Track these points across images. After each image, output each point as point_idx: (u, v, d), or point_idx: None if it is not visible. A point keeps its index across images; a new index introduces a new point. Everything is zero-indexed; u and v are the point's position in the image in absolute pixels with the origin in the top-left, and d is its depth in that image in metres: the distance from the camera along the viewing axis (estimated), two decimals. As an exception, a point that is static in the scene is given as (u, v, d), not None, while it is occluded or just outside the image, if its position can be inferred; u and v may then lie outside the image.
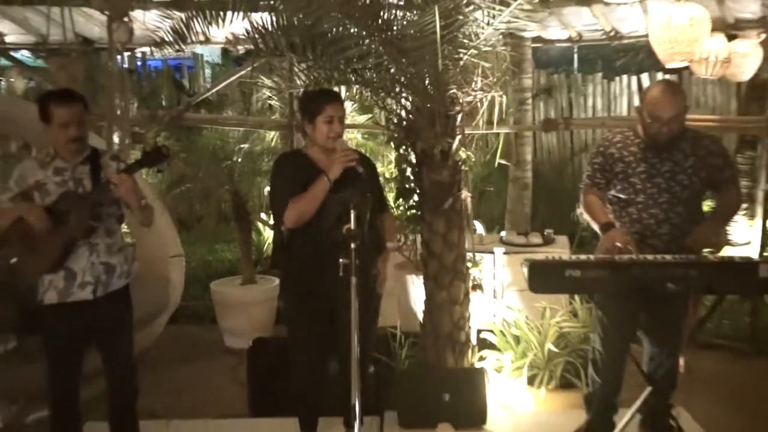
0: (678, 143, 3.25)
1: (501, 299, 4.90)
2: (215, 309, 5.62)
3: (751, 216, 6.11)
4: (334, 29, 3.33)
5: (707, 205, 5.93)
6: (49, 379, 3.13)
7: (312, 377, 3.40)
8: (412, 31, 3.27)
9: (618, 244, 3.05)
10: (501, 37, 3.78)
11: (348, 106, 4.80)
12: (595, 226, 3.30)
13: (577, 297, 4.32)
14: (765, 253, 5.25)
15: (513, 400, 4.02)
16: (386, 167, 6.37)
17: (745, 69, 5.22)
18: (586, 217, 3.38)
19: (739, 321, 5.33)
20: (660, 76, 7.44)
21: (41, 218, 2.93)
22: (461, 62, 3.54)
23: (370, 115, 6.41)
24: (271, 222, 6.88)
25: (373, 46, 3.35)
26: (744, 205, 6.22)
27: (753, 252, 5.33)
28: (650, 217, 3.24)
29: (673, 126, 3.14)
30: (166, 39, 3.61)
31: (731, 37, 5.16)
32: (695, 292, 2.82)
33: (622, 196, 3.31)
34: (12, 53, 6.84)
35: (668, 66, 4.62)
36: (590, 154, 3.46)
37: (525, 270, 2.88)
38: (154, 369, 4.84)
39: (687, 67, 5.46)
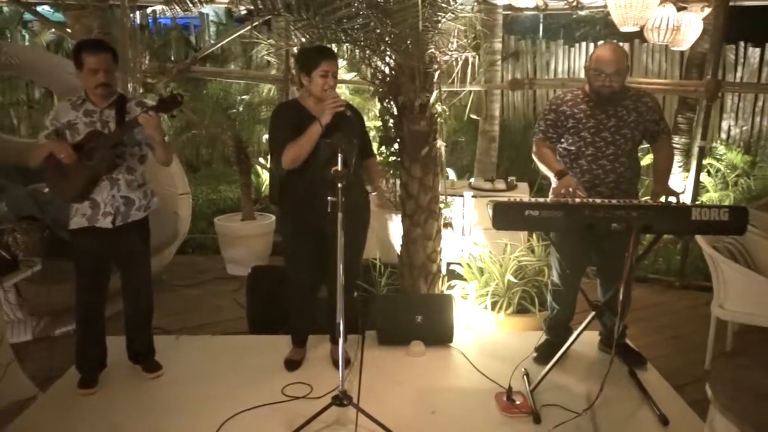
0: (622, 101, 3.22)
1: (468, 236, 4.91)
2: (219, 241, 5.60)
3: (686, 169, 6.15)
4: (326, -9, 3.22)
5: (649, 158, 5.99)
6: (77, 295, 3.12)
7: (303, 299, 3.41)
8: (396, -6, 3.18)
9: (570, 188, 3.06)
10: (475, 3, 3.70)
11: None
12: (549, 174, 3.29)
13: (534, 235, 4.34)
14: (697, 201, 5.29)
15: (476, 322, 4.07)
16: (371, 120, 6.29)
17: (687, 38, 5.17)
18: (540, 166, 3.36)
19: (672, 259, 5.43)
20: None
21: (68, 154, 2.89)
22: (439, 25, 3.46)
23: (356, 73, 6.30)
24: (269, 164, 6.84)
25: (360, 8, 3.24)
26: (680, 159, 6.26)
27: (687, 200, 5.37)
28: (599, 168, 3.23)
29: (615, 80, 3.11)
30: (176, -1, 3.50)
31: (679, 9, 5.10)
32: (636, 232, 2.82)
33: (572, 148, 3.29)
34: (34, 8, 6.56)
35: (622, 29, 4.54)
36: (543, 111, 3.41)
37: (490, 210, 2.87)
38: (165, 292, 4.85)
39: (638, 37, 5.36)
